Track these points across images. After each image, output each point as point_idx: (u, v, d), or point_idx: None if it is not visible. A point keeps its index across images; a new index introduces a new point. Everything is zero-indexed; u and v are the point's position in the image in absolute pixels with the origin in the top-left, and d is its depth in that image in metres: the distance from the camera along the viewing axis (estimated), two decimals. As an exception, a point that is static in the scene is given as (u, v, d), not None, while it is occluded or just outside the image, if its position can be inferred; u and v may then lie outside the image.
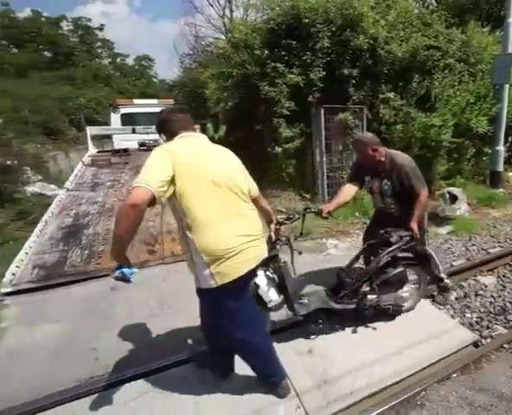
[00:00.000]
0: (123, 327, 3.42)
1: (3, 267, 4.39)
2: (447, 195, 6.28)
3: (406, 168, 3.43)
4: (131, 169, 7.89)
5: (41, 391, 2.64)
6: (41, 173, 8.52)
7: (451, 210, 6.06)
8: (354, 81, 6.84)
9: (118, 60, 28.41)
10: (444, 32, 7.74)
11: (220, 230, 2.15)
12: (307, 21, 6.81)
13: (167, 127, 2.35)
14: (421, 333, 3.06)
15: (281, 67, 6.81)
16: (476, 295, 3.93)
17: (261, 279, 2.70)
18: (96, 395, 2.56)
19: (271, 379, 2.56)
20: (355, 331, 3.18)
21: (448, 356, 2.84)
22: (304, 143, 7.04)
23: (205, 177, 2.15)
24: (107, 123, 11.05)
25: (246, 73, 7.31)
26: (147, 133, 9.53)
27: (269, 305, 2.70)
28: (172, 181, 2.04)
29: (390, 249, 3.29)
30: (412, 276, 3.53)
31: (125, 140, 9.66)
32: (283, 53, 6.98)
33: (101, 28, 27.96)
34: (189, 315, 2.82)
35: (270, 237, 2.94)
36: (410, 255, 3.39)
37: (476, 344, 3.02)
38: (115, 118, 10.43)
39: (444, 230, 5.75)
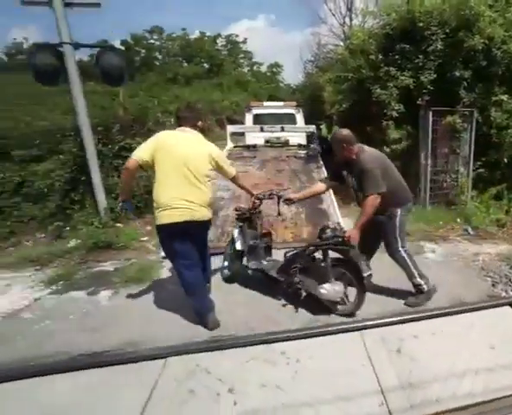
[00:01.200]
0: (238, 297, 3.52)
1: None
2: None
3: (364, 166, 3.14)
4: (257, 162, 8.09)
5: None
6: None
7: None
8: (465, 83, 5.95)
9: (255, 67, 29.23)
10: None
11: (165, 191, 2.82)
12: (421, 24, 6.14)
13: (176, 121, 3.10)
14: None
15: (393, 70, 6.29)
16: None
17: (235, 233, 3.74)
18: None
19: (199, 310, 3.05)
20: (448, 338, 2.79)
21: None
22: (411, 145, 6.41)
23: (173, 157, 2.81)
24: (242, 122, 11.44)
25: (360, 77, 6.94)
26: (272, 131, 9.56)
27: (237, 248, 3.64)
28: (153, 155, 2.79)
29: (317, 243, 3.21)
30: (336, 276, 3.19)
31: (255, 137, 9.83)
32: (396, 57, 6.41)
33: (244, 41, 29.12)
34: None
35: (250, 206, 3.66)
36: (339, 256, 3.16)
37: None
38: (248, 118, 10.68)
39: None
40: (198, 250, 3.05)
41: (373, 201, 3.08)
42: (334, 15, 20.78)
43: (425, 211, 5.89)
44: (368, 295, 3.37)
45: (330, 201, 6.00)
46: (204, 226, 3.05)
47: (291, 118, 10.34)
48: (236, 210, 3.86)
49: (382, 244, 3.51)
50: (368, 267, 3.18)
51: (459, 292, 3.51)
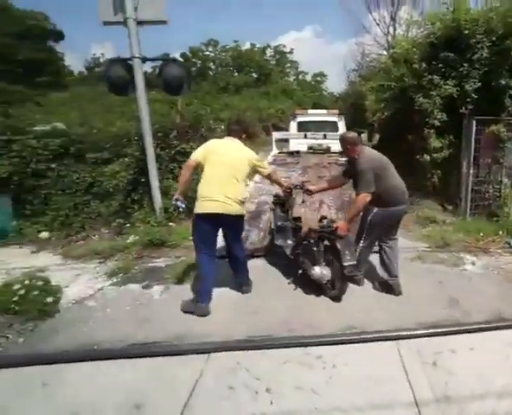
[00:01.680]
0: (279, 299, 3.43)
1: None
2: None
3: (359, 166, 3.29)
4: (299, 168, 7.92)
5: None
6: None
7: None
8: (511, 92, 5.52)
9: (300, 76, 28.86)
10: None
11: (209, 185, 3.15)
12: (467, 32, 5.76)
13: (227, 130, 3.47)
14: None
15: (437, 79, 5.96)
16: None
17: (272, 215, 4.26)
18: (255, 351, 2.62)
19: (197, 293, 3.28)
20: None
21: None
22: (452, 154, 6.03)
23: (218, 159, 3.17)
24: (287, 129, 11.32)
25: (403, 86, 6.65)
26: (315, 138, 9.34)
27: (272, 227, 4.21)
28: (205, 157, 3.19)
29: (313, 229, 3.56)
30: (326, 261, 3.43)
31: (299, 144, 9.65)
32: (440, 65, 6.06)
33: (291, 51, 28.87)
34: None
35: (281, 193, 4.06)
36: (328, 244, 3.38)
37: None
38: (293, 125, 10.54)
39: None
40: (230, 241, 3.45)
41: (362, 198, 3.25)
42: (378, 24, 20.12)
43: (466, 222, 5.52)
44: (403, 305, 3.27)
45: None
46: (236, 219, 3.26)
47: (333, 126, 10.08)
48: (274, 196, 4.33)
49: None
50: (353, 258, 3.25)
51: (499, 307, 3.22)
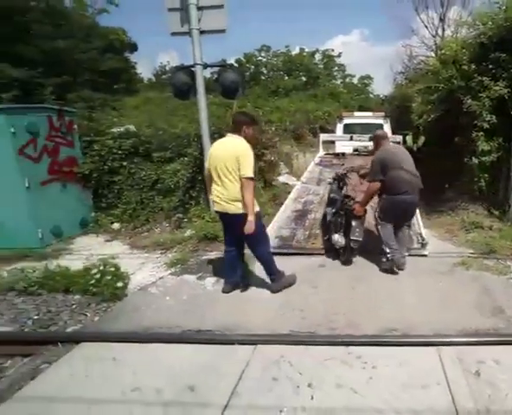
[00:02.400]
0: (322, 297, 3.32)
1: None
2: None
3: (373, 157, 3.68)
4: (345, 169, 7.63)
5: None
6: (288, 167, 9.07)
7: None
8: None
9: (347, 79, 27.56)
10: None
11: (212, 186, 3.15)
12: None
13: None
14: None
15: (487, 80, 5.33)
16: None
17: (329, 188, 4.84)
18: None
19: (225, 278, 3.53)
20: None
21: None
22: (501, 158, 5.37)
23: (213, 161, 3.10)
24: (333, 131, 10.89)
25: (451, 88, 6.03)
26: (360, 140, 8.89)
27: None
28: (209, 162, 3.18)
29: (340, 204, 4.04)
30: (344, 231, 3.89)
31: (344, 146, 9.28)
32: (490, 66, 5.42)
33: (339, 55, 27.57)
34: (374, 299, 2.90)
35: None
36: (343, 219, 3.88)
37: None
38: (339, 127, 10.11)
39: None
40: (237, 238, 3.29)
41: (371, 185, 3.64)
42: (426, 26, 18.38)
43: (514, 228, 4.85)
44: (446, 311, 3.01)
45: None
46: (236, 218, 3.07)
47: (379, 128, 9.43)
48: (335, 174, 4.87)
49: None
50: (360, 235, 3.79)
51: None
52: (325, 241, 4.33)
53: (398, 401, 2.01)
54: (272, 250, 4.27)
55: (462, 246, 4.47)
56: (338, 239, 3.89)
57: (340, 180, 4.60)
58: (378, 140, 3.86)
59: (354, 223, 3.75)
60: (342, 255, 3.97)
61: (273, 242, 4.57)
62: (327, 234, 4.23)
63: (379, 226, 3.77)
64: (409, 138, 8.65)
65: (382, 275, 3.73)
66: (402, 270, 3.72)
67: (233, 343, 2.62)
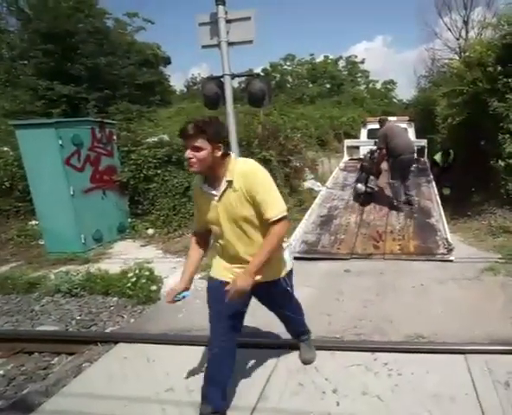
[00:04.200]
0: (348, 302, 3.24)
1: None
2: None
3: (379, 132, 5.86)
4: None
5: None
6: (314, 173, 8.97)
7: None
8: None
9: (370, 85, 26.80)
10: None
11: None
12: None
13: None
14: None
15: None
16: None
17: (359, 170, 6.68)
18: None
19: None
20: None
21: None
22: None
23: None
24: (357, 136, 10.63)
25: (476, 91, 5.74)
26: None
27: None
28: None
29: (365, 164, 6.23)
30: (365, 182, 6.03)
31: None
32: None
33: (362, 61, 26.91)
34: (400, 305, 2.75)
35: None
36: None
37: None
38: (363, 133, 9.92)
39: None
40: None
41: (380, 152, 5.60)
42: (449, 29, 17.62)
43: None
44: (474, 318, 2.83)
45: (439, 216, 5.09)
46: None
47: (403, 133, 9.15)
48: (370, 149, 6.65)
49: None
50: (374, 186, 5.96)
51: None
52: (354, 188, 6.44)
53: (424, 411, 1.88)
54: (297, 255, 4.31)
55: (489, 251, 4.19)
56: (361, 187, 5.89)
57: (372, 153, 6.25)
58: (382, 123, 5.78)
59: (371, 177, 5.94)
60: (363, 199, 5.92)
61: (299, 247, 4.58)
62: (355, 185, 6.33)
63: (390, 184, 5.55)
64: (438, 157, 8.26)
65: (408, 281, 3.55)
66: (413, 206, 5.54)
67: (260, 347, 2.60)
